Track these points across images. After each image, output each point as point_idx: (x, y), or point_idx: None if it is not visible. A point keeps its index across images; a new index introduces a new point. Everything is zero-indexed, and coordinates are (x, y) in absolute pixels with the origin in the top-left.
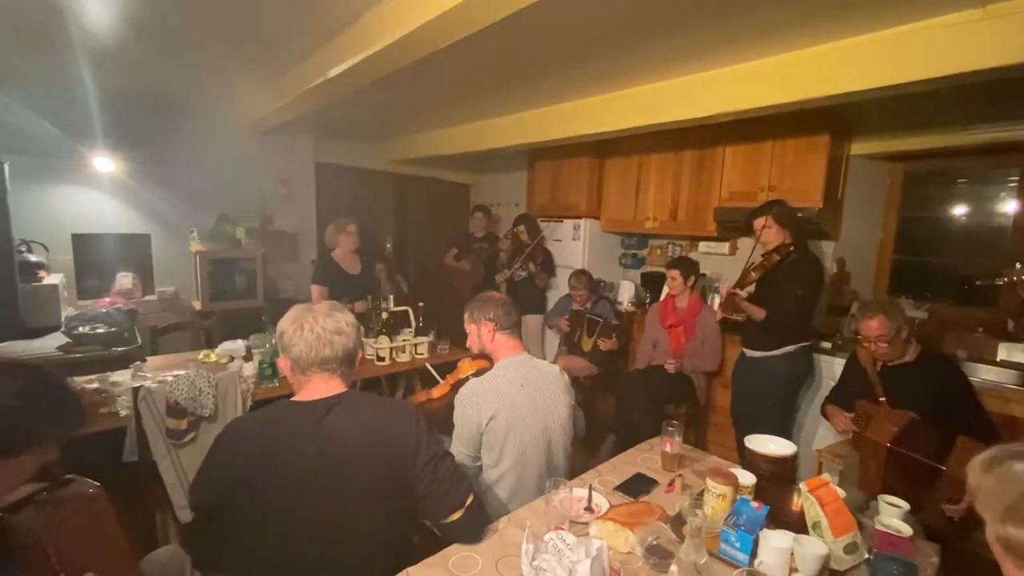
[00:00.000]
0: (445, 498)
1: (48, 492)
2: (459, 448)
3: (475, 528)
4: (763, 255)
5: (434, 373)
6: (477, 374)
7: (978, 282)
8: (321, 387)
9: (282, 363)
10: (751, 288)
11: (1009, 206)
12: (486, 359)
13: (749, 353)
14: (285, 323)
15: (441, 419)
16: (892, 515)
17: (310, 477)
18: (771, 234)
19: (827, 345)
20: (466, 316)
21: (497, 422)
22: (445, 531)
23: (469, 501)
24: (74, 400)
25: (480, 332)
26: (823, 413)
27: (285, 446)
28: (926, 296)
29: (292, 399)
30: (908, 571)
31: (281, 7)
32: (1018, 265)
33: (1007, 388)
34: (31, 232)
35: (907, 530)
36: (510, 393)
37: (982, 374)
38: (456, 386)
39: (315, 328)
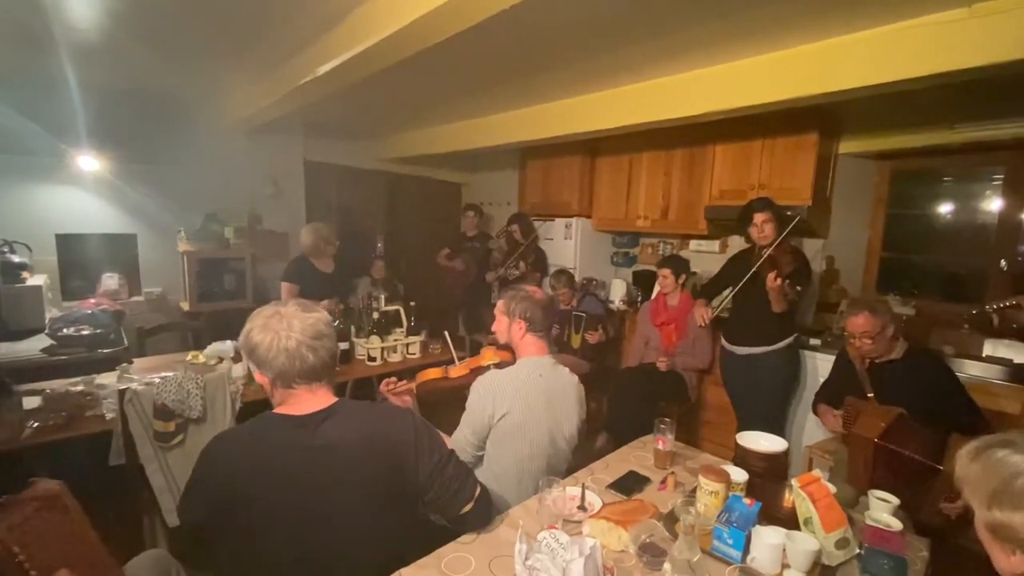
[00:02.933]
0: (456, 497)
1: (8, 494)
2: (465, 433)
3: (485, 514)
4: (776, 249)
5: (452, 349)
6: (499, 365)
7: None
8: (308, 399)
9: (261, 379)
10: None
11: (994, 204)
12: (510, 352)
13: (741, 350)
14: (255, 335)
15: (450, 398)
16: (882, 510)
17: (306, 488)
18: (770, 229)
19: (816, 342)
20: (501, 304)
21: (508, 420)
22: (456, 523)
23: (478, 492)
24: None
25: (511, 326)
26: (814, 410)
27: (279, 459)
28: (913, 293)
29: (277, 411)
30: (898, 565)
31: (270, 3)
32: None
33: (993, 383)
34: (14, 232)
35: (897, 525)
36: (528, 393)
37: (969, 370)
38: (475, 372)
39: (292, 335)
